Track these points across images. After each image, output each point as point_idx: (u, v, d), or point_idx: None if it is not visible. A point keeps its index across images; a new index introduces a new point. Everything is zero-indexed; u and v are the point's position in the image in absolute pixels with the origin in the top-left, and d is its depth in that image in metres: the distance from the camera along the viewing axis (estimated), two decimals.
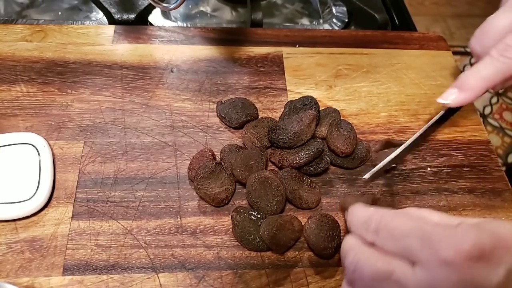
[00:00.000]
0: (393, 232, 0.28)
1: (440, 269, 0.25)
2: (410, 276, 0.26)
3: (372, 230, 0.29)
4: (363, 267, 0.28)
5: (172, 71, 0.47)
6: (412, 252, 0.26)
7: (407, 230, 0.27)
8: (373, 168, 0.40)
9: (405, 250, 0.27)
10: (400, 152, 0.40)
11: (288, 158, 0.39)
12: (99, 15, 0.55)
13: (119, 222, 0.37)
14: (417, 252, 0.26)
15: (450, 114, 0.44)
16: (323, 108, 0.44)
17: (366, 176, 0.39)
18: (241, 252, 0.36)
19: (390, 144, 0.42)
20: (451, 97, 0.40)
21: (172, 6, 0.42)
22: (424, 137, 0.43)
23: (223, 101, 0.44)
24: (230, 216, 0.37)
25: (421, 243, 0.26)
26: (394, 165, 0.40)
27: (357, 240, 0.30)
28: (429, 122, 0.42)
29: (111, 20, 0.52)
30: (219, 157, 0.40)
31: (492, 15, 0.41)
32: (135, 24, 0.52)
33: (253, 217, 0.36)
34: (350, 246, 0.30)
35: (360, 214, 0.31)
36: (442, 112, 0.43)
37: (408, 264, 0.27)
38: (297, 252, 0.37)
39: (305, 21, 0.60)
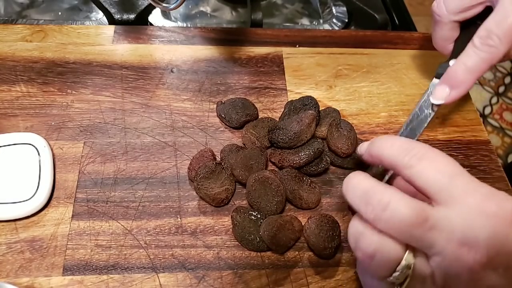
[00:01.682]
0: (440, 158, 0.27)
1: (478, 216, 0.25)
2: (449, 217, 0.25)
3: (416, 156, 0.27)
4: (393, 213, 0.25)
5: (172, 71, 0.47)
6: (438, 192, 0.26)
7: (451, 163, 0.27)
8: None
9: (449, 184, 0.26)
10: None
11: (288, 158, 0.39)
12: (99, 15, 0.55)
13: (119, 222, 0.37)
14: (447, 192, 0.25)
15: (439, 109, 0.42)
16: (323, 108, 0.44)
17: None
18: (241, 252, 0.36)
19: None
20: (444, 96, 0.39)
21: (172, 6, 0.42)
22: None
23: (223, 101, 0.44)
24: (230, 216, 0.37)
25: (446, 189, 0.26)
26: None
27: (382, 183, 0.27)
28: (424, 124, 0.40)
29: (111, 20, 0.52)
30: (219, 157, 0.40)
31: None
32: (135, 24, 0.52)
33: (253, 217, 0.36)
34: (374, 187, 0.27)
35: (400, 143, 0.28)
36: (437, 110, 0.40)
37: (439, 206, 0.26)
38: (297, 252, 0.37)
39: (305, 21, 0.60)
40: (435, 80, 0.40)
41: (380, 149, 0.29)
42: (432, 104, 0.40)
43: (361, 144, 0.32)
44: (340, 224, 0.37)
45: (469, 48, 0.37)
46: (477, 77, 0.38)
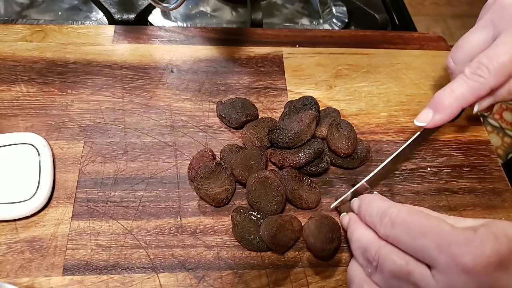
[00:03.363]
0: (410, 229, 0.28)
1: (459, 276, 0.25)
2: (428, 280, 0.26)
3: (387, 223, 0.29)
4: (384, 262, 0.28)
5: (172, 71, 0.47)
6: (429, 255, 0.26)
7: (424, 229, 0.27)
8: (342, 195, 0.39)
9: (421, 251, 0.27)
10: (374, 175, 0.39)
11: (288, 158, 0.39)
12: (99, 15, 0.55)
13: (119, 222, 0.37)
14: (435, 256, 0.26)
15: (427, 134, 0.42)
16: (323, 108, 0.44)
17: (333, 205, 0.39)
18: (241, 252, 0.36)
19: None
20: (427, 119, 0.39)
21: (172, 6, 0.42)
22: (400, 159, 0.42)
23: (223, 101, 0.44)
24: (230, 216, 0.37)
25: (439, 247, 0.26)
26: (369, 190, 0.39)
27: (373, 234, 0.31)
28: (405, 144, 0.40)
29: (111, 20, 0.52)
30: (219, 157, 0.40)
31: (468, 31, 0.41)
32: (135, 24, 0.52)
33: (253, 217, 0.36)
34: (370, 240, 0.31)
35: (377, 205, 0.31)
36: (418, 133, 0.41)
37: (425, 267, 0.27)
38: (297, 252, 0.37)
39: (305, 21, 0.60)
40: None
41: (363, 209, 0.33)
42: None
43: (353, 200, 0.36)
44: (341, 226, 0.37)
45: (459, 77, 0.38)
46: (462, 106, 0.38)
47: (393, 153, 0.40)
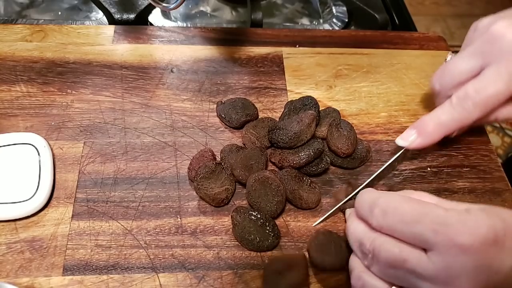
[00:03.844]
0: (403, 216, 0.28)
1: (457, 256, 0.25)
2: (425, 264, 0.26)
3: (377, 214, 0.29)
4: (380, 253, 0.28)
5: (172, 71, 0.47)
6: (424, 239, 0.26)
7: (417, 216, 0.27)
8: (329, 211, 0.38)
9: (416, 237, 0.27)
10: (358, 192, 0.38)
11: (288, 158, 0.39)
12: (99, 15, 0.55)
13: (119, 222, 0.37)
14: (431, 239, 0.26)
15: (408, 152, 0.42)
16: (323, 108, 0.44)
17: (316, 223, 0.38)
18: (241, 252, 0.36)
19: (349, 185, 0.40)
20: (409, 140, 0.39)
21: (172, 6, 0.42)
22: (381, 176, 0.41)
23: (223, 101, 0.44)
24: (230, 216, 0.37)
25: (434, 229, 0.26)
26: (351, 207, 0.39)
27: (366, 227, 0.31)
28: (388, 161, 0.40)
29: (111, 20, 0.52)
30: (219, 157, 0.40)
31: (455, 56, 0.40)
32: (135, 24, 0.52)
33: (253, 217, 0.36)
34: (363, 233, 0.30)
35: (367, 197, 0.31)
36: (402, 150, 0.40)
37: (420, 251, 0.27)
38: (297, 252, 0.37)
39: (305, 21, 0.60)
40: None
41: (355, 202, 0.33)
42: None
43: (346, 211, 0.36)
44: (343, 227, 0.37)
45: (446, 103, 0.38)
46: (445, 133, 0.39)
47: (392, 154, 0.40)
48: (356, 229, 0.32)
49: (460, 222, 0.26)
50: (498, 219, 0.26)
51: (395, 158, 0.40)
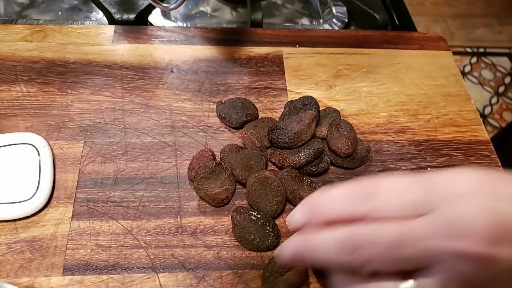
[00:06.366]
0: (394, 190, 0.26)
1: (460, 201, 0.24)
2: (430, 225, 0.24)
3: (365, 197, 0.26)
4: (379, 240, 0.25)
5: (172, 71, 0.47)
6: (420, 203, 0.25)
7: (406, 185, 0.26)
8: None
9: (412, 204, 0.25)
10: None
11: (288, 158, 0.39)
12: (99, 15, 0.55)
13: (119, 222, 0.37)
14: (428, 200, 0.25)
15: None
16: (323, 108, 0.44)
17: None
18: (241, 252, 0.36)
19: None
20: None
21: (172, 6, 0.42)
22: None
23: (223, 101, 0.44)
24: (230, 216, 0.37)
25: (429, 188, 0.25)
26: None
27: (340, 228, 0.26)
28: None
29: (111, 20, 0.52)
30: (219, 157, 0.40)
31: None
32: (135, 24, 0.52)
33: (253, 217, 0.36)
34: (343, 230, 0.26)
35: (337, 190, 0.27)
36: None
37: (421, 219, 0.25)
38: None
39: (305, 21, 0.60)
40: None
41: (323, 209, 0.27)
42: None
43: (288, 219, 0.29)
44: None
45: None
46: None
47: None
48: (331, 234, 0.26)
49: (449, 176, 0.25)
50: (482, 172, 0.26)
51: None
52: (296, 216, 0.28)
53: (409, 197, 0.25)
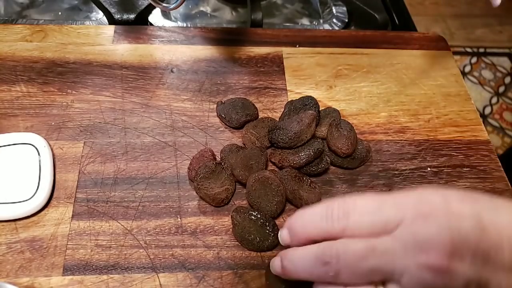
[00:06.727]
0: (366, 208, 0.28)
1: (424, 221, 0.26)
2: (393, 242, 0.27)
3: (339, 216, 0.28)
4: (348, 250, 0.27)
5: (172, 71, 0.47)
6: (393, 219, 0.27)
7: (377, 204, 0.28)
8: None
9: (382, 222, 0.27)
10: None
11: (288, 158, 0.39)
12: (99, 15, 0.55)
13: (119, 222, 0.37)
14: (399, 217, 0.27)
15: None
16: (323, 108, 0.44)
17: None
18: (241, 252, 0.36)
19: None
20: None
21: (172, 6, 0.42)
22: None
23: (223, 101, 0.44)
24: (230, 216, 0.37)
25: (397, 208, 0.27)
26: None
27: (314, 245, 0.29)
28: None
29: (111, 20, 0.52)
30: (219, 157, 0.40)
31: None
32: (135, 24, 0.52)
33: (253, 217, 0.36)
34: (317, 246, 0.28)
35: (314, 211, 0.29)
36: None
37: (387, 235, 0.27)
38: None
39: (305, 21, 0.60)
40: None
41: (299, 224, 0.30)
42: None
43: (279, 237, 0.32)
44: None
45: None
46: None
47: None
48: (306, 249, 0.29)
49: (417, 194, 0.27)
50: (443, 190, 0.27)
51: None
52: (283, 235, 0.31)
53: (379, 216, 0.27)
